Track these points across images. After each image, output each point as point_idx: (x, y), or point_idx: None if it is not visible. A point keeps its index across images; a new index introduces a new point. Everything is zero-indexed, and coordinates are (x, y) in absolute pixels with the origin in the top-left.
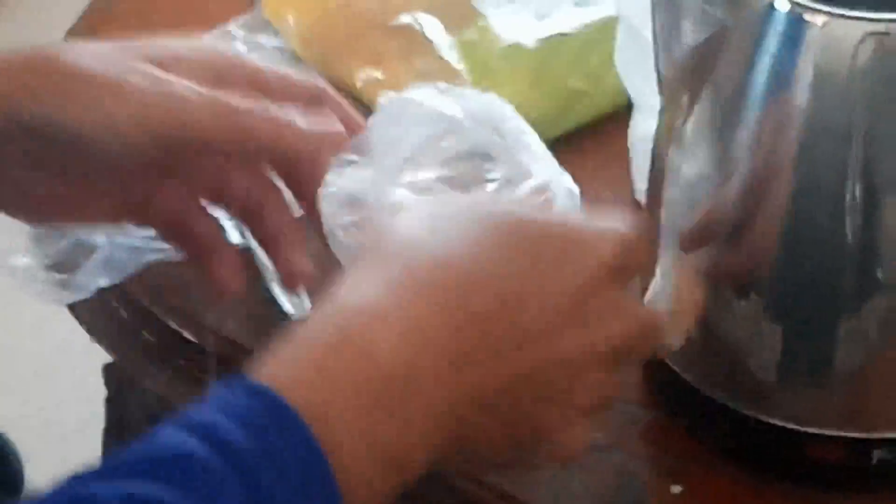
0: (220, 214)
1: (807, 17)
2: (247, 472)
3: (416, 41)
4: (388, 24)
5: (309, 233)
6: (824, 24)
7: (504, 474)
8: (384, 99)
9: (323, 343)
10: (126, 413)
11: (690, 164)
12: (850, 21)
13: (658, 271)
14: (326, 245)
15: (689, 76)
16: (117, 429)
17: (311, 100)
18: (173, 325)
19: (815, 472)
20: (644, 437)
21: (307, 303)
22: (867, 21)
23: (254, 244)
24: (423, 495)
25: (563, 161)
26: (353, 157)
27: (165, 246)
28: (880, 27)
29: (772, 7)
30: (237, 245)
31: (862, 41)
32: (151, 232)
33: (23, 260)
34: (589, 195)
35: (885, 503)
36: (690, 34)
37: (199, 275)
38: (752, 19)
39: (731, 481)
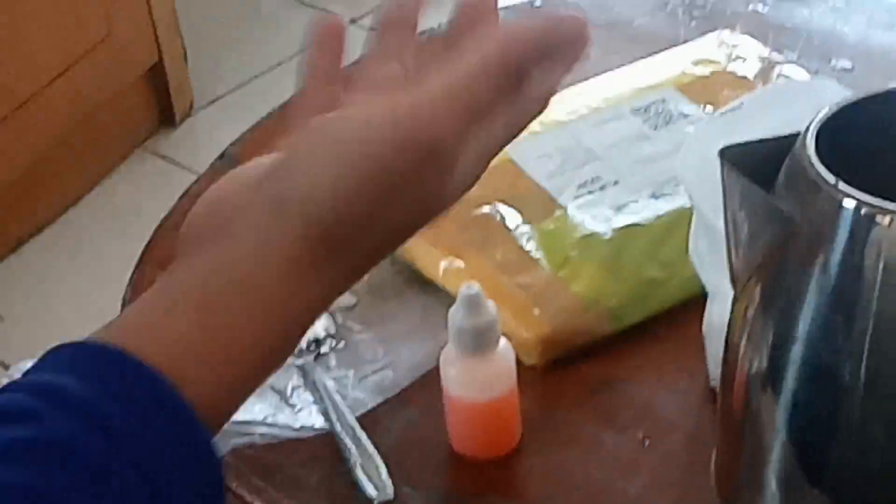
0: (307, 399)
1: (874, 214)
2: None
3: (495, 231)
4: (469, 215)
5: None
6: (892, 222)
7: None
8: (465, 287)
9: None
10: None
11: (761, 356)
12: None
13: None
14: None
15: (758, 269)
16: None
17: None
18: None
19: None
20: None
21: (389, 487)
22: None
23: (338, 428)
24: None
25: (639, 348)
26: None
27: (252, 430)
28: None
29: (840, 205)
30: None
31: None
32: (238, 417)
33: None
34: (665, 383)
35: None
36: (760, 228)
37: (285, 458)
38: (820, 216)
39: None
